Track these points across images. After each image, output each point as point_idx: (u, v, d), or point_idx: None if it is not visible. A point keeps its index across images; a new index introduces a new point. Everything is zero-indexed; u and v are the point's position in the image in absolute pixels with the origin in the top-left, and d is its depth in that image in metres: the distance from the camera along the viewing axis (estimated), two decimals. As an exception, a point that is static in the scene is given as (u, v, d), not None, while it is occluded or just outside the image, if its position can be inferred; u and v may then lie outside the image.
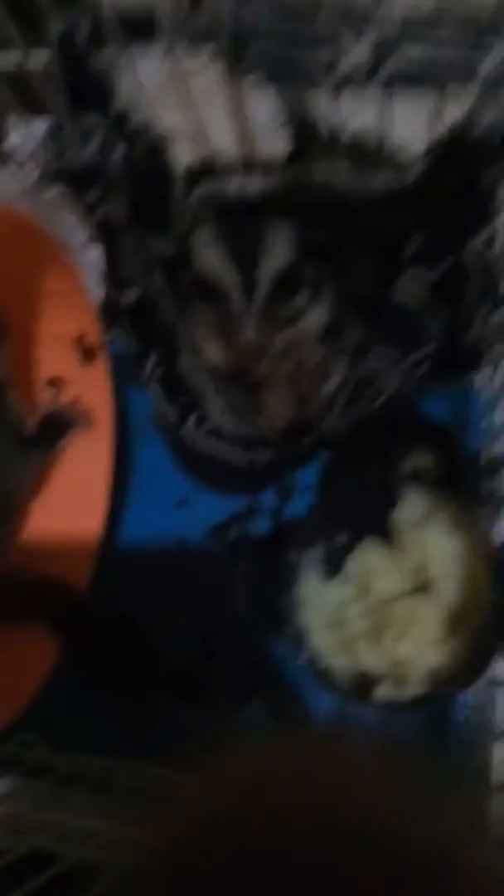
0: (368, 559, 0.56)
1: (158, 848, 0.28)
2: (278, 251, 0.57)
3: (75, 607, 0.68)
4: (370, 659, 0.53)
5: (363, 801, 0.28)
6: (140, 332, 0.60)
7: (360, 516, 0.58)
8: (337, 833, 0.26)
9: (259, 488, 0.75)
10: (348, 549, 0.58)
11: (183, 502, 0.77)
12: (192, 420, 0.63)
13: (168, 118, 0.54)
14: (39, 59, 0.56)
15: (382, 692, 0.52)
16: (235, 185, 0.56)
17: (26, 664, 0.66)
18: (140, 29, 0.52)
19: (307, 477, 0.74)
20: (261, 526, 0.74)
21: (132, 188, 0.56)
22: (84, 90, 0.55)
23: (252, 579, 0.71)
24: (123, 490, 0.76)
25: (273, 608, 0.60)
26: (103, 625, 0.69)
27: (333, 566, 0.58)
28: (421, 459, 0.63)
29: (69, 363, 0.73)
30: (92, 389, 0.74)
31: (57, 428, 0.73)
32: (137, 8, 0.50)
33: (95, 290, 0.67)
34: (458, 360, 0.60)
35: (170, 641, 0.70)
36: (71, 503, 0.74)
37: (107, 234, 0.56)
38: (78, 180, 0.57)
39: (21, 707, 0.64)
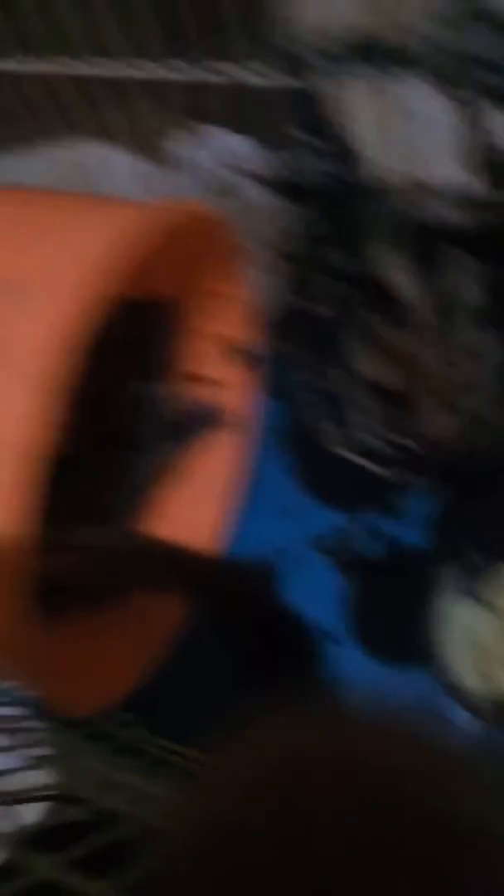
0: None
1: (200, 820, 0.29)
2: (461, 279, 0.58)
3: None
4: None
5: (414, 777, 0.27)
6: (300, 340, 0.62)
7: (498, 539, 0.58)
8: (388, 805, 0.26)
9: (379, 506, 0.75)
10: (487, 571, 0.58)
11: (289, 512, 0.77)
12: (334, 432, 0.64)
13: (369, 137, 0.57)
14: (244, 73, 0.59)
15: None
16: (426, 209, 0.58)
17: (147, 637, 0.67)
18: (347, 48, 0.55)
19: (424, 504, 0.74)
20: (372, 544, 0.74)
21: (323, 201, 0.58)
22: (288, 105, 0.58)
23: (364, 595, 0.71)
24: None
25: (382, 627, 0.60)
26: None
27: (470, 588, 0.58)
28: None
29: (223, 365, 0.76)
30: (240, 394, 0.77)
31: (196, 424, 0.76)
32: (342, 26, 0.53)
33: (261, 297, 0.70)
34: None
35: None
36: (194, 500, 0.76)
37: (287, 243, 0.59)
38: (271, 188, 0.60)
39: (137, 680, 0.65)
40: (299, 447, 0.79)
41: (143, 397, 0.71)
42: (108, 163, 0.70)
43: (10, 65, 0.67)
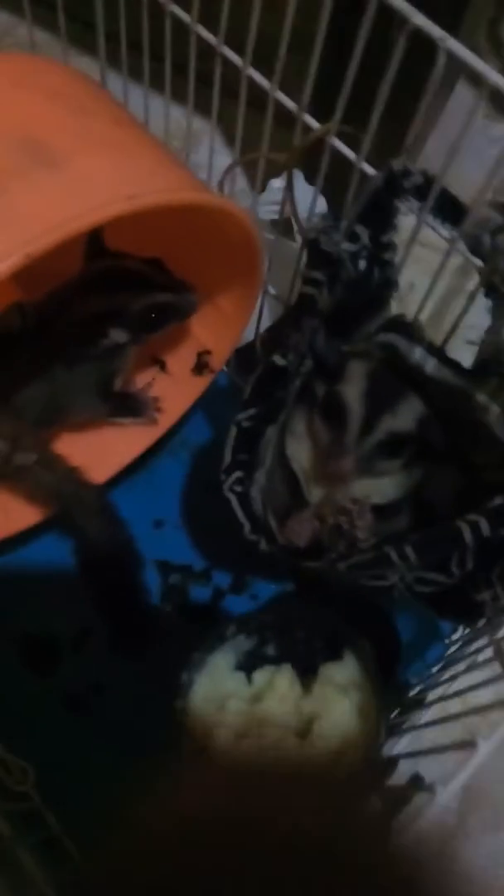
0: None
1: None
2: (405, 417, 0.63)
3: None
4: None
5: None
6: (260, 390, 0.65)
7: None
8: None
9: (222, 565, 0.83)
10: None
11: (159, 524, 0.84)
12: (236, 476, 0.67)
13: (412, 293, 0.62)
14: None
15: None
16: (414, 352, 0.62)
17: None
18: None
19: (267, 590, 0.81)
20: (201, 593, 0.81)
21: (348, 295, 0.62)
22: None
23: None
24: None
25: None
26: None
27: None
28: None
29: (184, 363, 0.79)
30: (179, 396, 0.80)
31: (129, 406, 0.79)
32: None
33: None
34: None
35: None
36: (94, 454, 0.79)
37: (304, 308, 0.62)
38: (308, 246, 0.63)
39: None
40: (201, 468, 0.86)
41: (106, 343, 0.72)
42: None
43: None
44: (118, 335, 0.70)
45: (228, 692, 0.56)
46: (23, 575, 0.80)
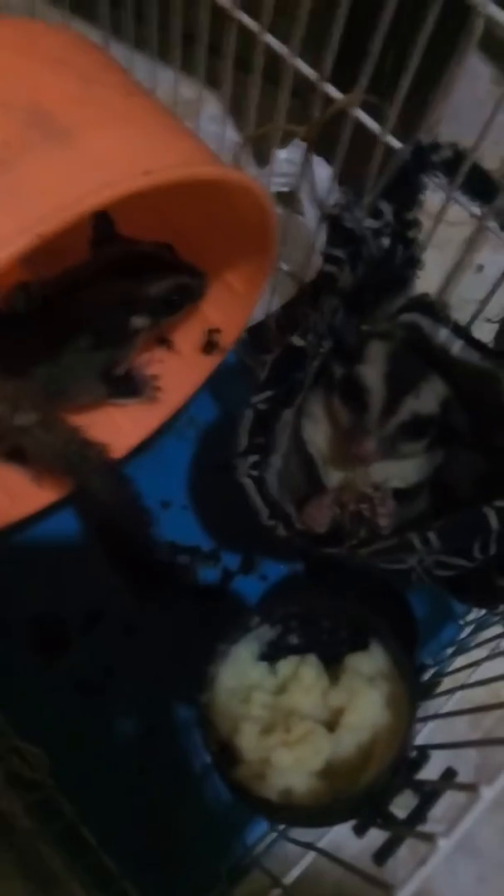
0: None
1: None
2: (427, 399, 0.62)
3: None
4: None
5: None
6: (277, 372, 0.63)
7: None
8: None
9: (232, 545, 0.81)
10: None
11: (166, 505, 0.83)
12: (251, 460, 0.65)
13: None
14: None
15: None
16: (439, 333, 0.60)
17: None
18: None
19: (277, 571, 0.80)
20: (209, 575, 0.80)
21: (361, 266, 0.60)
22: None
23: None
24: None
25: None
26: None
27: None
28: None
29: (193, 342, 0.77)
30: (187, 376, 0.78)
31: (128, 387, 0.77)
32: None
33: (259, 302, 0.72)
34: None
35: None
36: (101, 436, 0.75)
37: (323, 286, 0.60)
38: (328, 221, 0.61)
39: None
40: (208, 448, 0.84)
41: (129, 330, 0.70)
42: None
43: None
44: (140, 321, 0.69)
45: (252, 683, 0.55)
46: (29, 558, 0.79)
